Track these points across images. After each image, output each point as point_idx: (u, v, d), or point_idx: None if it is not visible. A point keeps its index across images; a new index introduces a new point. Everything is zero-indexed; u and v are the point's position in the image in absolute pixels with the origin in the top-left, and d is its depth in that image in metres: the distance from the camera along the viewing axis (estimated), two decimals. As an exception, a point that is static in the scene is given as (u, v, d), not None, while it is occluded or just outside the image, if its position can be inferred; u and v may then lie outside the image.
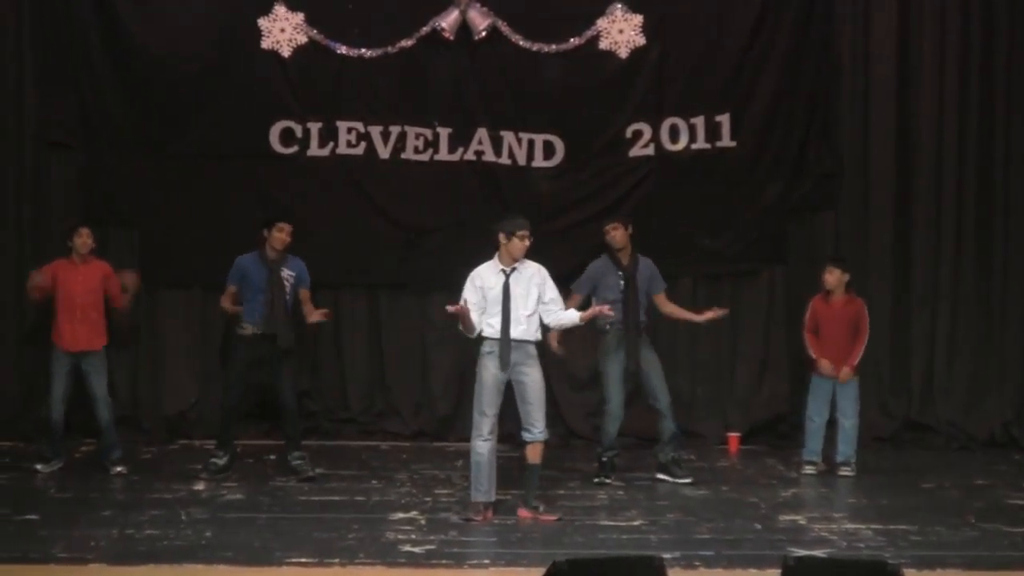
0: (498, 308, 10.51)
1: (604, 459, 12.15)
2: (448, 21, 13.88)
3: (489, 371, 10.52)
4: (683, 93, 14.20)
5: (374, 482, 12.14)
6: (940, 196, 14.27)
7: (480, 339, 10.62)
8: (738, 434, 14.02)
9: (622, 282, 12.07)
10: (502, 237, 10.63)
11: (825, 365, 12.49)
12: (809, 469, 12.59)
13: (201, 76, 14.09)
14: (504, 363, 10.46)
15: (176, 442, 14.07)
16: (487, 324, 10.55)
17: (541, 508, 10.68)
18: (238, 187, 14.10)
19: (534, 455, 10.63)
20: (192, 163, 14.09)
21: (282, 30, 14.01)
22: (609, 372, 12.10)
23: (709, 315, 12.34)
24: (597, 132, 14.20)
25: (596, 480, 12.07)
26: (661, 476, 12.21)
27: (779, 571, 6.59)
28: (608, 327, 12.03)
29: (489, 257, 13.78)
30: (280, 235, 12.12)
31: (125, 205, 14.17)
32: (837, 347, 12.57)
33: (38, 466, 12.33)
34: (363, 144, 14.17)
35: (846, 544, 9.82)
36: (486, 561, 9.29)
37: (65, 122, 14.11)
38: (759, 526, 10.46)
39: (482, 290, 10.58)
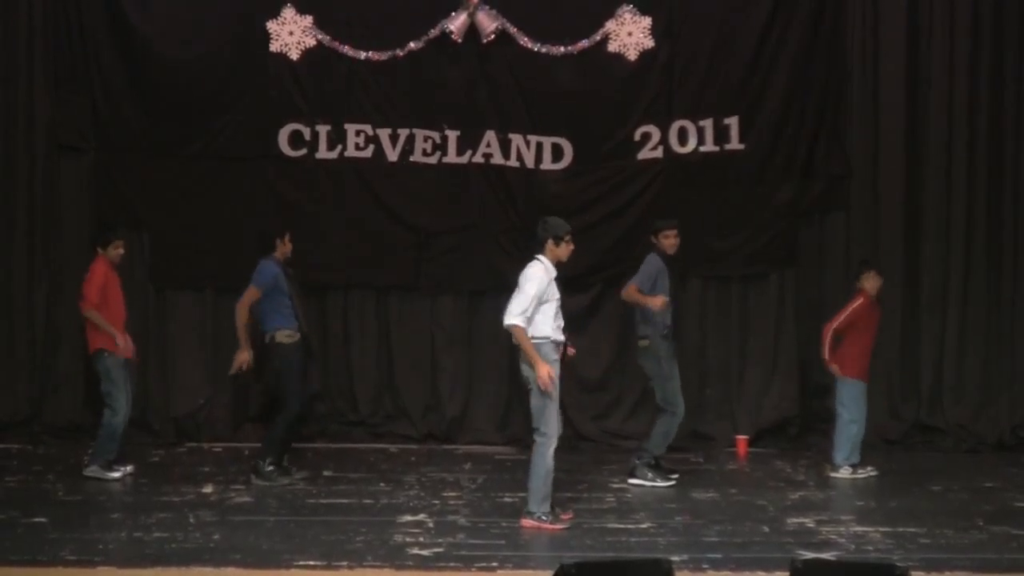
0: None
1: (654, 461, 12.18)
2: (456, 24, 13.88)
3: (557, 377, 10.38)
4: (692, 95, 14.20)
5: (382, 485, 12.14)
6: (950, 198, 14.25)
7: (546, 343, 10.36)
8: (746, 437, 14.00)
9: (670, 283, 12.17)
10: (552, 241, 10.51)
11: (835, 370, 12.57)
12: (861, 472, 12.60)
13: (210, 79, 14.13)
14: None
15: (184, 444, 14.09)
16: (554, 327, 10.43)
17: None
18: (248, 189, 14.14)
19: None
20: (202, 165, 14.15)
21: (291, 33, 14.03)
22: (672, 374, 12.17)
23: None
24: (606, 135, 14.20)
25: (673, 479, 12.11)
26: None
27: (787, 574, 6.59)
28: (665, 330, 12.09)
29: (498, 259, 13.89)
30: (290, 244, 12.29)
31: (135, 207, 14.21)
32: (871, 352, 12.73)
33: (114, 474, 12.25)
34: (371, 147, 14.19)
35: (854, 547, 9.82)
36: (494, 564, 9.29)
37: (77, 124, 14.15)
38: (767, 529, 10.46)
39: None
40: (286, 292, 12.08)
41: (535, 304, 10.24)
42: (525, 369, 10.37)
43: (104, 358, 12.18)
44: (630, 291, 12.09)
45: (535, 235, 10.63)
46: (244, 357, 12.08)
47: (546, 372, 10.17)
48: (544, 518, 10.35)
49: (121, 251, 12.48)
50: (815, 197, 14.29)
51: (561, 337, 10.44)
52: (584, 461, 13.07)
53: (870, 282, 12.68)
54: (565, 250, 10.52)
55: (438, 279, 14.34)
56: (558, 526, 10.35)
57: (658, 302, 11.91)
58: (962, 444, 14.10)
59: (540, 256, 10.47)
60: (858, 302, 12.65)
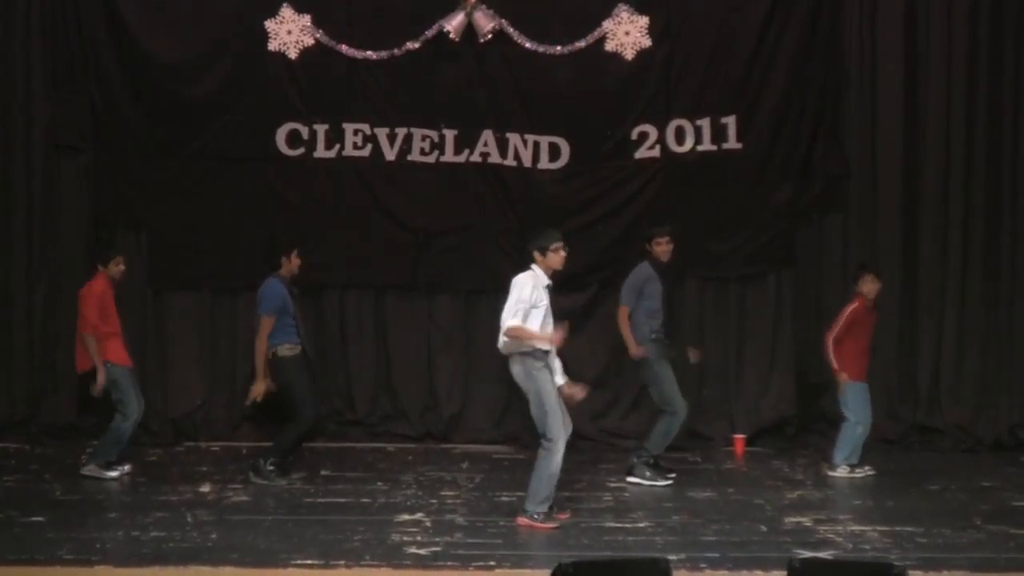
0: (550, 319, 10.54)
1: (652, 460, 12.20)
2: (454, 24, 13.87)
3: (549, 381, 10.45)
4: (690, 95, 14.19)
5: (380, 484, 12.15)
6: (948, 198, 14.24)
7: (530, 352, 10.43)
8: (744, 436, 14.00)
9: (662, 289, 12.23)
10: (538, 253, 10.57)
11: (844, 379, 12.54)
12: (859, 472, 12.61)
13: (208, 78, 14.12)
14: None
15: (182, 444, 14.08)
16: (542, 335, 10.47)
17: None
18: (247, 189, 14.13)
19: None
20: (201, 165, 14.13)
21: (288, 32, 14.03)
22: (665, 376, 12.20)
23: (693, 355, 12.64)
24: (603, 134, 14.19)
25: (662, 482, 12.11)
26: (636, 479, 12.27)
27: (785, 573, 6.61)
28: (652, 335, 12.14)
29: (496, 259, 13.87)
30: (298, 260, 12.28)
31: (134, 207, 14.19)
32: (867, 355, 12.73)
33: (111, 473, 12.28)
34: (369, 146, 14.18)
35: (852, 546, 9.82)
36: (491, 563, 9.29)
37: (76, 124, 14.13)
38: (765, 528, 10.46)
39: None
40: (291, 312, 12.11)
41: (526, 306, 10.31)
42: (519, 377, 10.47)
43: (108, 369, 12.18)
44: (621, 318, 12.26)
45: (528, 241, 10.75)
46: (259, 389, 12.04)
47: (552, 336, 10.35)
48: (536, 517, 10.37)
49: (122, 267, 12.49)
50: (814, 197, 14.28)
51: (548, 346, 10.46)
52: (582, 460, 13.04)
53: (867, 286, 12.67)
54: (555, 259, 10.57)
55: (436, 279, 14.33)
56: (549, 525, 10.36)
57: (637, 353, 12.08)
58: (960, 444, 14.09)
59: (533, 265, 10.56)
60: (853, 306, 12.66)
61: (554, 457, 10.34)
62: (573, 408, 10.82)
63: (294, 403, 12.06)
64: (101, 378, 12.11)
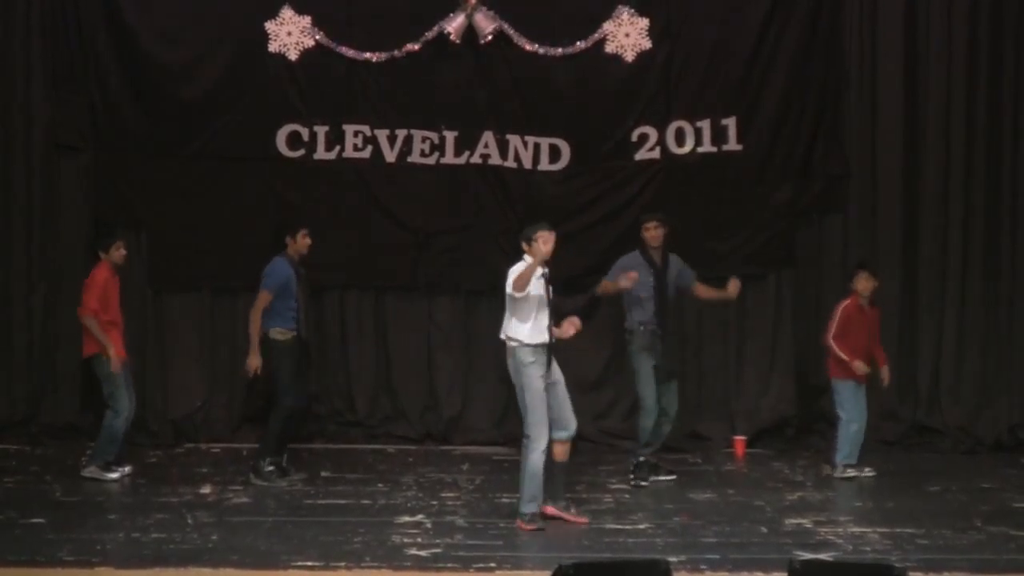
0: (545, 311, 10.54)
1: (641, 459, 12.22)
2: (454, 25, 13.87)
3: (537, 378, 10.43)
4: (690, 96, 14.18)
5: (380, 485, 12.15)
6: (948, 198, 14.23)
7: (523, 346, 10.45)
8: (744, 437, 14.00)
9: (652, 279, 12.16)
10: (525, 244, 10.62)
11: (860, 366, 12.49)
12: (852, 472, 12.59)
13: (209, 79, 14.11)
14: (547, 367, 10.51)
15: (182, 445, 14.07)
16: (532, 329, 10.48)
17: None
18: (247, 190, 14.13)
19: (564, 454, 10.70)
20: (201, 165, 14.12)
21: (289, 33, 14.02)
22: (641, 368, 12.19)
23: (734, 287, 12.50)
24: (603, 136, 14.19)
25: (633, 483, 12.13)
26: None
27: (785, 574, 6.60)
28: (640, 327, 12.13)
29: (496, 259, 13.89)
30: (306, 240, 12.30)
31: (134, 207, 14.18)
32: (864, 352, 12.65)
33: (112, 475, 12.26)
34: (369, 148, 14.18)
35: (852, 547, 9.83)
36: (492, 565, 9.30)
37: (76, 124, 14.12)
38: (765, 529, 10.47)
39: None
40: (293, 295, 12.12)
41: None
42: (510, 368, 10.53)
43: (103, 362, 12.16)
44: (601, 285, 12.36)
45: None
46: (256, 363, 12.07)
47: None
48: (523, 517, 10.41)
49: (123, 252, 12.49)
50: (814, 197, 14.28)
51: (542, 339, 10.45)
52: (582, 461, 13.03)
53: (862, 283, 12.69)
54: (539, 247, 10.52)
55: (436, 279, 14.34)
56: (532, 526, 10.35)
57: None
58: (960, 445, 14.08)
59: (524, 255, 10.61)
60: (845, 303, 12.68)
61: (531, 455, 10.36)
62: (571, 339, 10.79)
63: (276, 389, 12.09)
64: (112, 355, 12.07)
